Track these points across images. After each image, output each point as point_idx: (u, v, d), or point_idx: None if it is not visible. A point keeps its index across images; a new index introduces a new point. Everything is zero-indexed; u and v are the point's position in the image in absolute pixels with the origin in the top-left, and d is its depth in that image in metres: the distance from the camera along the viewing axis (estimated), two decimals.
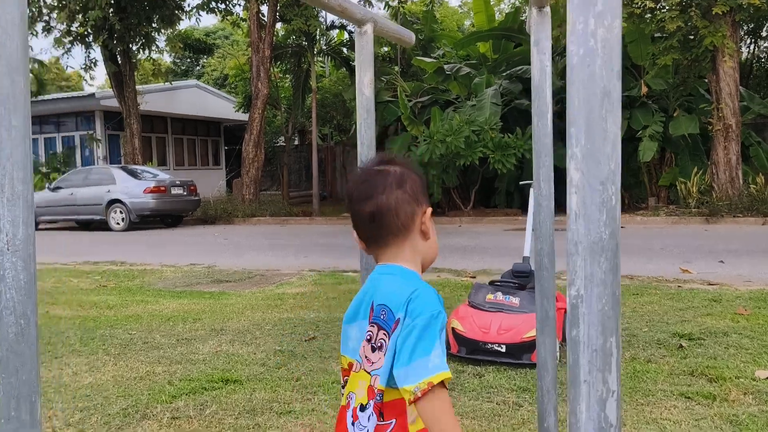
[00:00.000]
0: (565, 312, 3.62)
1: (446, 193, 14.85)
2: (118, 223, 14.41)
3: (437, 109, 14.44)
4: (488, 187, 15.04)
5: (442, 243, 7.86)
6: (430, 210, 1.23)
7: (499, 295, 3.47)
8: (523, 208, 14.84)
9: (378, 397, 1.12)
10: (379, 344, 1.14)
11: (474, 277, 6.90)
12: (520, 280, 3.68)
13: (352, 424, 1.17)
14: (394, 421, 1.12)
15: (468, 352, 3.32)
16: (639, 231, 10.85)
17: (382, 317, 1.15)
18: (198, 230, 14.39)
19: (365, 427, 1.14)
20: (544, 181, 1.73)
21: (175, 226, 15.41)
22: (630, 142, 13.49)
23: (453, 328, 3.37)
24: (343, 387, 1.23)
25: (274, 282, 6.90)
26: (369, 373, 1.15)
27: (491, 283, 3.67)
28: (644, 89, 13.06)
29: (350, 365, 1.22)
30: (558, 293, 3.73)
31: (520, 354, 3.20)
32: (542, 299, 1.76)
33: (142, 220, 14.61)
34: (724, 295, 5.24)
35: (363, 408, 1.16)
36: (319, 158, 17.67)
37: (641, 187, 14.40)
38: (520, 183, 5.14)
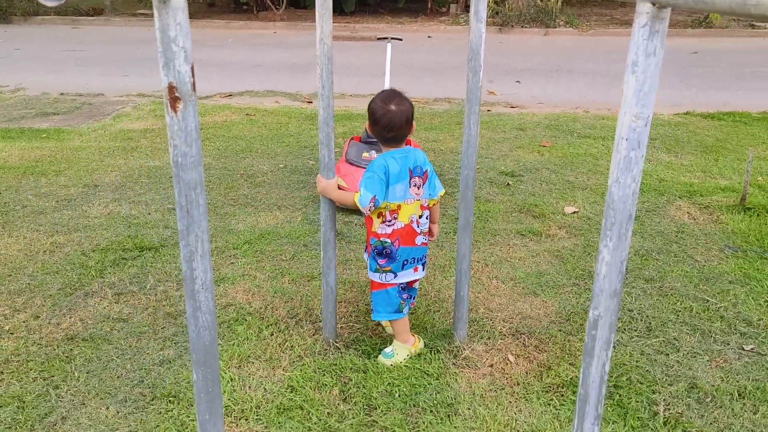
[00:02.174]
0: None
1: None
2: None
3: None
4: None
5: (266, 57, 8.37)
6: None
7: (374, 153, 4.02)
8: (334, 10, 14.85)
9: (426, 206, 2.42)
10: (419, 185, 2.37)
11: (311, 102, 7.31)
12: None
13: (418, 226, 2.39)
14: (428, 212, 2.46)
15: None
16: (447, 43, 11.70)
17: (418, 172, 2.36)
18: None
19: (426, 222, 2.43)
20: (473, 123, 2.25)
21: None
22: None
23: (338, 185, 3.91)
24: (395, 218, 2.35)
25: (107, 113, 6.70)
26: (419, 199, 2.38)
27: (365, 141, 4.19)
28: None
29: (399, 206, 2.34)
30: None
31: None
32: (465, 211, 2.37)
33: None
34: (526, 122, 6.33)
35: (420, 216, 2.40)
36: None
37: None
38: (377, 38, 5.42)
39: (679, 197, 4.21)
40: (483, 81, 2.21)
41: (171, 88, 1.11)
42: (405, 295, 2.48)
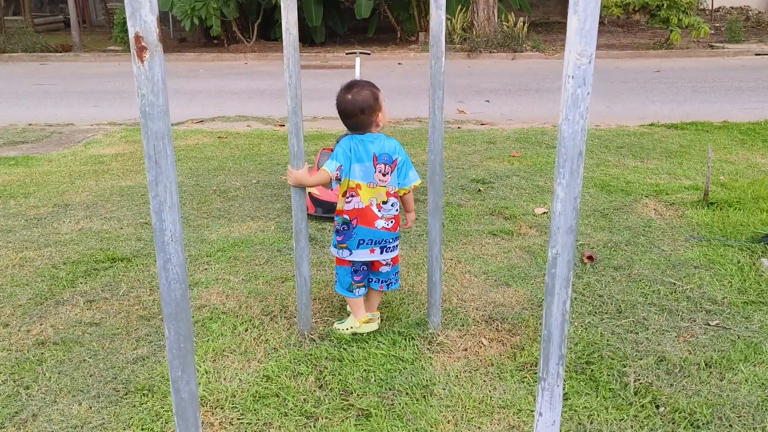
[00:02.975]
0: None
1: (226, 27, 14.41)
2: None
3: None
4: (268, 18, 14.85)
5: (237, 85, 8.46)
6: (384, 110, 2.48)
7: None
8: (305, 41, 15.06)
9: (394, 194, 2.50)
10: (387, 172, 2.46)
11: (283, 125, 7.37)
12: None
13: (379, 210, 2.47)
14: (397, 201, 2.52)
15: (324, 211, 3.96)
16: (417, 69, 11.90)
17: (385, 159, 2.46)
18: None
19: (390, 209, 2.50)
20: (438, 109, 2.31)
21: None
22: None
23: (310, 193, 3.95)
24: (354, 196, 2.45)
25: (77, 140, 6.68)
26: (385, 185, 2.47)
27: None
28: None
29: (358, 185, 2.44)
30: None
31: None
32: (434, 195, 2.42)
33: None
34: (496, 136, 6.45)
35: (385, 202, 2.48)
36: None
37: (412, 21, 15.34)
38: (346, 52, 5.54)
39: (646, 196, 4.31)
40: (447, 99, 2.29)
41: (138, 38, 1.15)
42: (358, 278, 2.57)
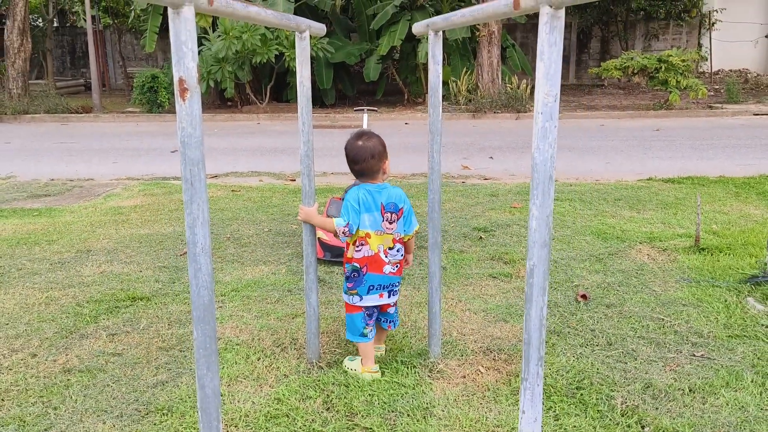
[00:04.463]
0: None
1: (240, 89, 14.98)
2: None
3: None
4: (280, 81, 15.44)
5: (250, 143, 8.86)
6: (388, 160, 2.67)
7: None
8: (315, 103, 15.60)
9: (399, 240, 2.65)
10: (393, 220, 2.63)
11: (294, 180, 7.66)
12: None
13: (386, 255, 2.63)
14: (402, 246, 2.69)
15: (332, 256, 4.17)
16: (423, 128, 12.31)
17: (391, 208, 2.62)
18: None
19: (396, 254, 2.67)
20: (436, 152, 2.55)
21: None
22: (409, 41, 14.74)
23: (319, 238, 4.17)
24: (363, 245, 2.61)
25: (98, 194, 6.98)
26: (391, 233, 2.63)
27: (342, 198, 4.49)
28: None
29: (367, 234, 2.59)
30: None
31: None
32: (433, 232, 2.63)
33: None
34: (499, 190, 6.70)
35: (391, 248, 2.64)
36: (84, 42, 16.35)
37: (419, 84, 15.90)
38: (355, 109, 5.87)
39: (640, 243, 4.50)
40: (444, 154, 2.53)
41: (181, 81, 1.40)
42: (370, 321, 2.70)
